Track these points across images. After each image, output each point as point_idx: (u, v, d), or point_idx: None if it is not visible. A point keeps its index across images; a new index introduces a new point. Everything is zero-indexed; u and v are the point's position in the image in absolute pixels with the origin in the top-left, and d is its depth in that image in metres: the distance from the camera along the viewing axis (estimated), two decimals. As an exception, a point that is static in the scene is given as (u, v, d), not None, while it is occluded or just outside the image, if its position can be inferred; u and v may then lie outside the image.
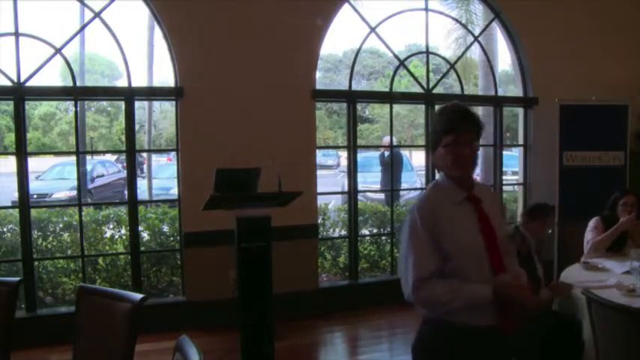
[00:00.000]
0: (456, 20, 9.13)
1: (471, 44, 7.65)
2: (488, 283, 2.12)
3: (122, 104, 5.48)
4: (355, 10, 6.17)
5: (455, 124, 2.17)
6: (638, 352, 2.58)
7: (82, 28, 6.61)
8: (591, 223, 4.62)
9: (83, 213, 5.66)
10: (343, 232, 6.53)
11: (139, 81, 20.27)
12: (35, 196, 11.71)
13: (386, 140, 10.84)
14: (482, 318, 2.14)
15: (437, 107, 6.50)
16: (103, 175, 16.10)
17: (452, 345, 2.18)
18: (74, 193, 11.63)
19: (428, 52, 6.68)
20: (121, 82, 13.43)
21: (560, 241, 6.09)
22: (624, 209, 4.55)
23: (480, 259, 2.17)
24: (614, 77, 6.80)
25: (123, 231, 6.14)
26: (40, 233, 5.92)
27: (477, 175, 12.78)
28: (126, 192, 5.88)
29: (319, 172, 6.13)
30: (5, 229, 5.84)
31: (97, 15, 5.32)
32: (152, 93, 7.12)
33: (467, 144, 2.16)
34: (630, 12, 7.03)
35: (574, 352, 3.47)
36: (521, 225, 4.01)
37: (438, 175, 2.31)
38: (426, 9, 6.50)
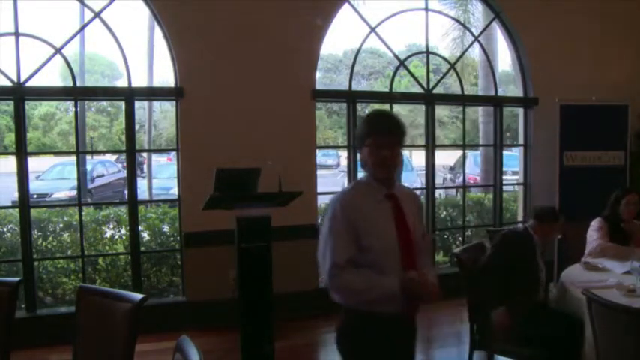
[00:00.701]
0: (457, 20, 9.13)
1: (471, 44, 7.65)
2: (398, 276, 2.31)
3: (122, 104, 5.48)
4: (355, 10, 6.18)
5: (377, 127, 2.37)
6: (638, 352, 2.58)
7: (82, 28, 6.63)
8: (595, 223, 4.56)
9: (83, 213, 5.67)
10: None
11: (139, 81, 20.28)
12: (35, 196, 11.74)
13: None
14: (388, 306, 2.32)
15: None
16: (103, 175, 16.13)
17: (365, 329, 2.39)
18: (74, 193, 11.65)
19: (428, 52, 6.67)
20: (121, 82, 13.43)
21: (560, 241, 6.09)
22: (627, 208, 4.52)
23: (393, 253, 2.35)
24: (614, 77, 6.80)
25: (123, 231, 6.14)
26: (40, 233, 5.92)
27: (477, 175, 12.80)
28: (126, 192, 5.89)
29: (319, 172, 6.13)
30: (5, 229, 5.85)
31: (97, 15, 5.32)
32: (152, 93, 7.13)
33: (387, 147, 2.33)
34: (630, 12, 7.03)
35: (577, 350, 3.46)
36: (530, 227, 3.98)
37: (363, 175, 2.48)
38: (426, 9, 6.50)
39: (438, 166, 6.85)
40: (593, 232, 4.52)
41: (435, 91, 6.56)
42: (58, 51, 5.24)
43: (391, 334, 2.38)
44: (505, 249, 3.81)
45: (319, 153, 6.19)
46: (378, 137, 2.34)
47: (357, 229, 2.32)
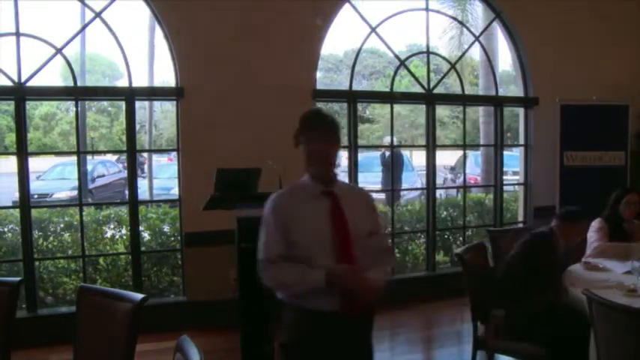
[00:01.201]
0: (458, 21, 9.12)
1: (472, 44, 7.63)
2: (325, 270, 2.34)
3: (123, 104, 5.48)
4: (356, 10, 6.17)
5: (311, 125, 2.46)
6: (639, 352, 2.58)
7: (83, 28, 6.63)
8: (595, 223, 4.53)
9: (84, 213, 5.67)
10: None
11: (140, 81, 20.23)
12: (36, 196, 11.73)
13: (387, 140, 10.85)
14: (326, 303, 2.35)
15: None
16: (103, 175, 16.11)
17: (307, 325, 2.41)
18: (75, 193, 11.61)
19: (428, 52, 6.68)
20: (122, 82, 13.42)
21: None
22: (627, 208, 4.51)
23: (327, 249, 2.38)
24: (614, 77, 6.80)
25: (124, 231, 6.14)
26: (40, 233, 5.92)
27: (478, 175, 12.79)
28: (126, 192, 5.89)
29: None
30: (6, 229, 5.84)
31: (98, 15, 5.32)
32: (153, 93, 7.14)
33: (321, 143, 2.42)
34: (631, 12, 7.03)
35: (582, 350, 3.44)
36: (555, 227, 3.99)
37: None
38: (427, 9, 6.50)
39: (438, 166, 6.85)
40: (593, 234, 4.49)
41: (435, 91, 6.56)
42: (59, 51, 5.24)
43: (331, 332, 2.38)
44: (531, 250, 3.82)
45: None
46: (312, 134, 2.42)
47: (288, 226, 2.40)
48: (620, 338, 2.67)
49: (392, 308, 5.86)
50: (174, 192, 7.65)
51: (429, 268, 6.65)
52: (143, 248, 5.75)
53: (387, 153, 10.00)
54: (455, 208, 7.36)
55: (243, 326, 4.13)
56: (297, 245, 2.38)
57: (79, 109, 6.18)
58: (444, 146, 16.81)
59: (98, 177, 15.76)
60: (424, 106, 6.64)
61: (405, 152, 15.37)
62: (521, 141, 7.04)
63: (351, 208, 2.47)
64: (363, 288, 2.35)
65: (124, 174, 14.53)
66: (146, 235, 6.03)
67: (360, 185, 6.39)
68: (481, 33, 7.91)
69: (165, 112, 24.95)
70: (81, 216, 5.50)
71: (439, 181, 9.75)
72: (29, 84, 5.14)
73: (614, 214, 4.53)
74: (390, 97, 6.70)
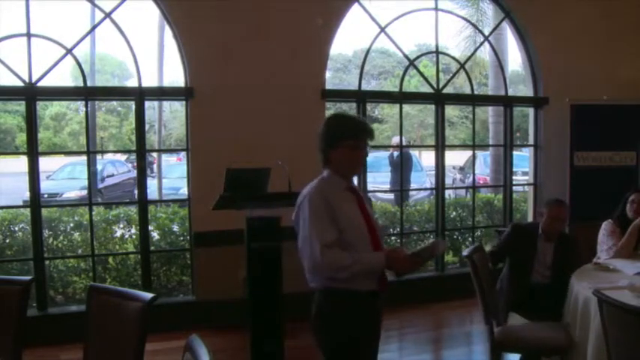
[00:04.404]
0: (467, 20, 9.09)
1: (481, 44, 7.62)
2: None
3: (132, 104, 5.51)
4: (365, 9, 6.16)
5: (359, 129, 2.70)
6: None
7: (93, 28, 6.66)
8: (606, 227, 4.48)
9: (93, 212, 5.69)
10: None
11: (149, 81, 20.34)
12: (46, 196, 11.80)
13: (395, 140, 10.83)
14: (366, 283, 2.61)
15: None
16: (113, 175, 16.19)
17: (341, 307, 2.61)
18: (85, 192, 11.71)
19: (438, 52, 6.65)
20: (132, 82, 13.50)
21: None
22: (631, 207, 4.47)
23: (364, 235, 2.66)
24: (625, 77, 6.74)
25: (133, 230, 6.16)
26: (51, 232, 5.95)
27: (487, 175, 12.74)
28: (136, 191, 5.92)
29: (329, 172, 6.12)
30: (17, 229, 5.88)
31: (108, 15, 5.35)
32: (162, 93, 7.17)
33: (363, 149, 2.71)
34: (642, 11, 6.97)
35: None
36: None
37: (325, 172, 2.82)
38: (436, 9, 6.48)
39: (447, 166, 6.83)
40: (607, 239, 4.43)
41: (444, 91, 6.54)
42: (69, 51, 5.27)
43: (368, 310, 2.65)
44: (507, 236, 4.31)
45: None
46: (360, 139, 2.68)
47: (333, 213, 2.59)
48: (632, 340, 2.65)
49: (401, 308, 5.85)
50: (184, 192, 7.67)
51: (438, 269, 6.62)
52: (152, 248, 5.77)
53: (396, 153, 9.96)
54: (464, 209, 7.34)
55: (251, 325, 4.13)
56: (346, 232, 2.59)
57: (88, 109, 6.22)
58: (453, 146, 16.78)
59: (108, 177, 15.83)
60: (433, 106, 6.62)
61: (414, 152, 15.34)
62: (531, 141, 6.99)
63: (366, 202, 2.79)
64: (410, 268, 2.69)
65: (134, 174, 14.57)
66: (155, 235, 6.05)
67: (369, 186, 6.39)
68: (490, 33, 7.88)
69: (175, 112, 25.07)
70: (90, 215, 5.52)
71: (448, 181, 9.74)
72: (40, 84, 5.16)
73: (622, 215, 4.49)
74: (399, 97, 6.68)
